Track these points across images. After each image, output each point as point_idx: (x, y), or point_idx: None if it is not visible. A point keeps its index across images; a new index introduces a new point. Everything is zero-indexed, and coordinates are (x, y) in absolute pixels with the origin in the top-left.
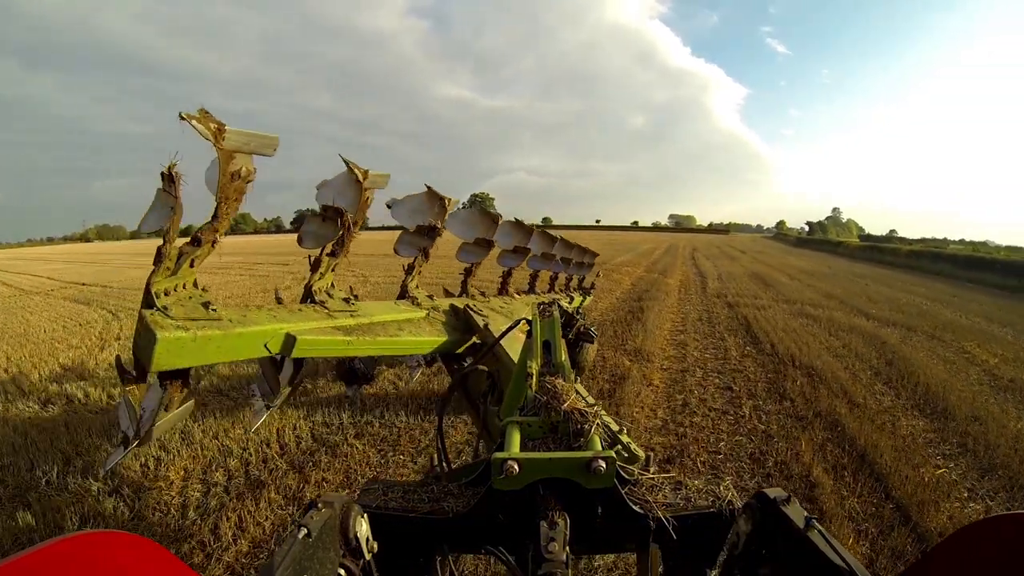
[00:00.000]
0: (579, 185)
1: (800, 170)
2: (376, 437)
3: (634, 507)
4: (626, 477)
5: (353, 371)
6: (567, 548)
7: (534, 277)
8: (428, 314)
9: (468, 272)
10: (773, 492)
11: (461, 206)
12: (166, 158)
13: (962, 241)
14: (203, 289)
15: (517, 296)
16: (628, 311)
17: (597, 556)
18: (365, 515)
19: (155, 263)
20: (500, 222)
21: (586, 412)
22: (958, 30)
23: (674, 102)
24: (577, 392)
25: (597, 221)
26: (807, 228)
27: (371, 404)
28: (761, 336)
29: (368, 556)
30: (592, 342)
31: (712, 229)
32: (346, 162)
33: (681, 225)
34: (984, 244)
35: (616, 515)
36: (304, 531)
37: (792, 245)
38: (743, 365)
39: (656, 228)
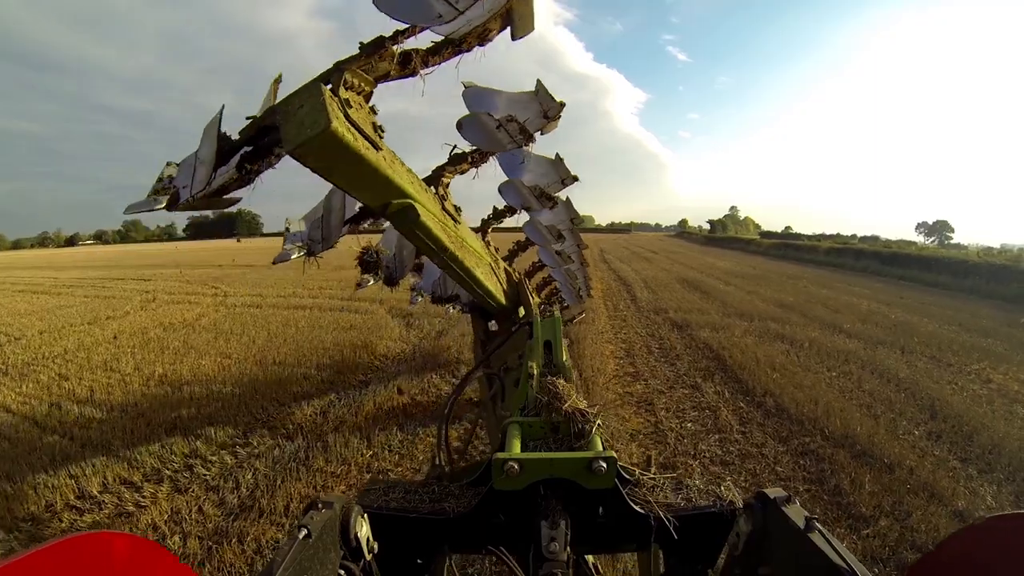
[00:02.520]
0: (480, 187)
1: (697, 171)
2: None
3: (635, 507)
4: (627, 477)
5: (374, 262)
6: (568, 548)
7: (548, 282)
8: (491, 264)
9: (523, 248)
10: (773, 492)
11: None
12: (57, 160)
13: (854, 236)
14: (373, 109)
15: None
16: None
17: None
18: (365, 515)
19: (364, 52)
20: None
21: (587, 412)
22: (845, 42)
23: (574, 105)
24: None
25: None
26: (709, 226)
27: None
28: (748, 379)
29: (368, 556)
30: None
31: (613, 229)
32: (541, 86)
33: (581, 225)
34: (875, 238)
35: (617, 515)
36: (304, 532)
37: (700, 244)
38: (754, 442)
39: None
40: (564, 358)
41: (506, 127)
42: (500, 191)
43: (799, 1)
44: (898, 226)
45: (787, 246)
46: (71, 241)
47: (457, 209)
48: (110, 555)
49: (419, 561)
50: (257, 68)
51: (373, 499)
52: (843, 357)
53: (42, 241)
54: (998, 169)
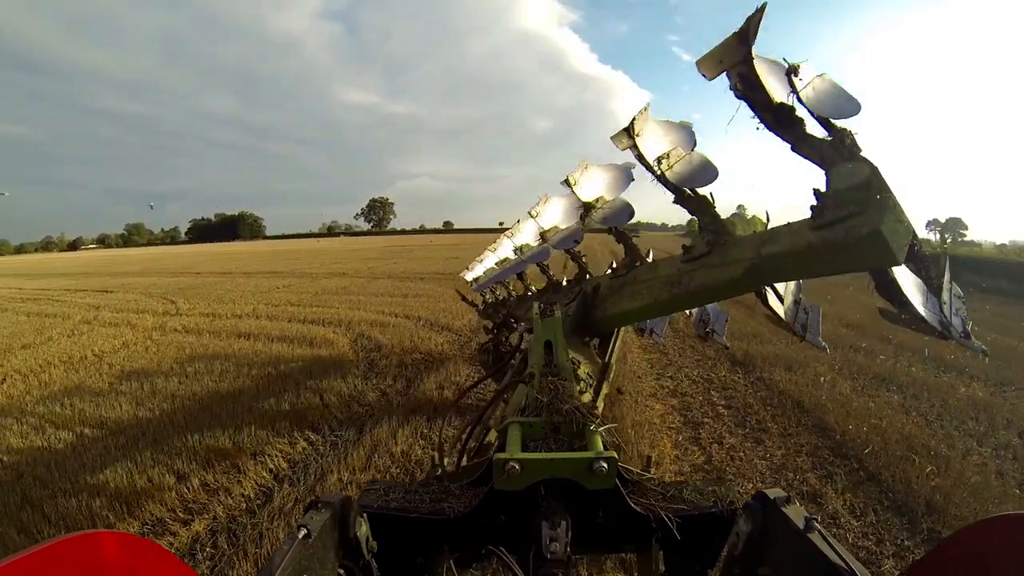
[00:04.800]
0: (482, 189)
1: None
2: None
3: (636, 508)
4: (627, 478)
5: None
6: (568, 548)
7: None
8: None
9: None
10: (773, 492)
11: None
12: (52, 164)
13: None
14: None
15: None
16: None
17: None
18: (365, 515)
19: None
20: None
21: (588, 413)
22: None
23: (579, 107)
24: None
25: (500, 224)
26: None
27: None
28: (887, 475)
29: (368, 556)
30: None
31: (620, 229)
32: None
33: (587, 225)
34: None
35: (618, 515)
36: (304, 531)
37: None
38: None
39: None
40: (564, 358)
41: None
42: None
43: (801, 1)
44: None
45: None
46: (74, 245)
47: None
48: (108, 554)
49: (420, 560)
50: (259, 71)
51: (373, 499)
52: (982, 416)
53: (46, 245)
54: (1003, 164)
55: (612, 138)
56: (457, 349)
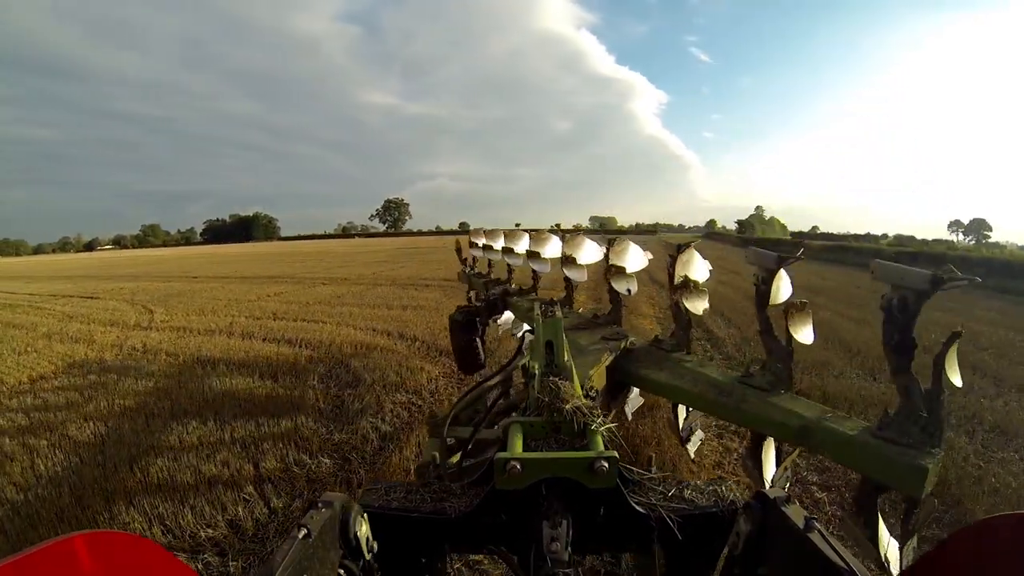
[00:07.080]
0: (501, 190)
1: (720, 171)
2: None
3: (637, 507)
4: (628, 477)
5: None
6: (569, 548)
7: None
8: None
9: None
10: (773, 492)
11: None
12: (72, 166)
13: (885, 235)
14: None
15: None
16: None
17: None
18: (365, 515)
19: None
20: None
21: (588, 412)
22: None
23: (598, 108)
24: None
25: (517, 225)
26: (736, 227)
27: None
28: None
29: (368, 556)
30: None
31: (639, 230)
32: None
33: (604, 226)
34: (911, 238)
35: (619, 515)
36: (304, 531)
37: (737, 246)
38: None
39: (578, 230)
40: (565, 358)
41: None
42: None
43: (820, 5)
44: (926, 224)
45: (842, 249)
46: (90, 246)
47: None
48: (110, 555)
49: (423, 560)
50: (278, 74)
51: (373, 499)
52: None
53: (63, 246)
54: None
55: (753, 251)
56: (455, 386)
